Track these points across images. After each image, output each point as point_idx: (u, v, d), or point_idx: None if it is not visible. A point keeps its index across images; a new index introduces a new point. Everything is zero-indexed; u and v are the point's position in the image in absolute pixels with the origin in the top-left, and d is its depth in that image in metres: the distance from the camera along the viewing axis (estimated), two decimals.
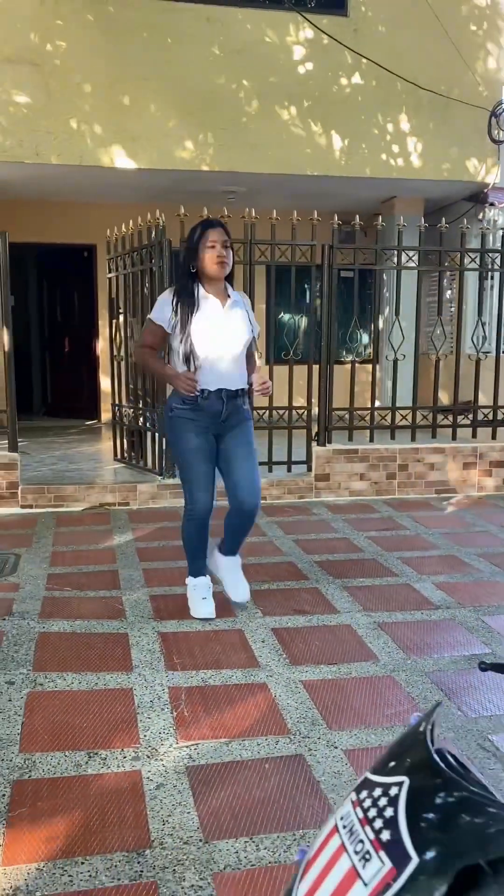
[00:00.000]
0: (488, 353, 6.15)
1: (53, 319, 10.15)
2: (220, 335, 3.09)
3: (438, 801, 0.63)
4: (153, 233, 5.60)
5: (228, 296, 3.18)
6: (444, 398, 7.12)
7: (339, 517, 5.32)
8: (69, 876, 1.76)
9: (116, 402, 6.43)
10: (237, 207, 6.07)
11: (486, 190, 8.17)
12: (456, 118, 7.71)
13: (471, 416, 6.23)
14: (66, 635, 3.16)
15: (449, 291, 8.13)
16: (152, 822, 1.97)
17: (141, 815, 1.99)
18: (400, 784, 0.67)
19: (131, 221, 5.98)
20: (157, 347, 3.26)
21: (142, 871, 1.79)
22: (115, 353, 6.38)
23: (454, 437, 6.14)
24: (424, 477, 6.03)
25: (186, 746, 2.32)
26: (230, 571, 3.44)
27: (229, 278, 3.22)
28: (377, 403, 6.33)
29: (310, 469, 5.90)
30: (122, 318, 6.24)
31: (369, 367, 7.23)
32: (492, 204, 8.26)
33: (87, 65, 6.79)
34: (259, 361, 3.39)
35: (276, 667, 2.89)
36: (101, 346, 9.23)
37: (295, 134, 7.46)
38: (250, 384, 3.22)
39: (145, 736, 2.38)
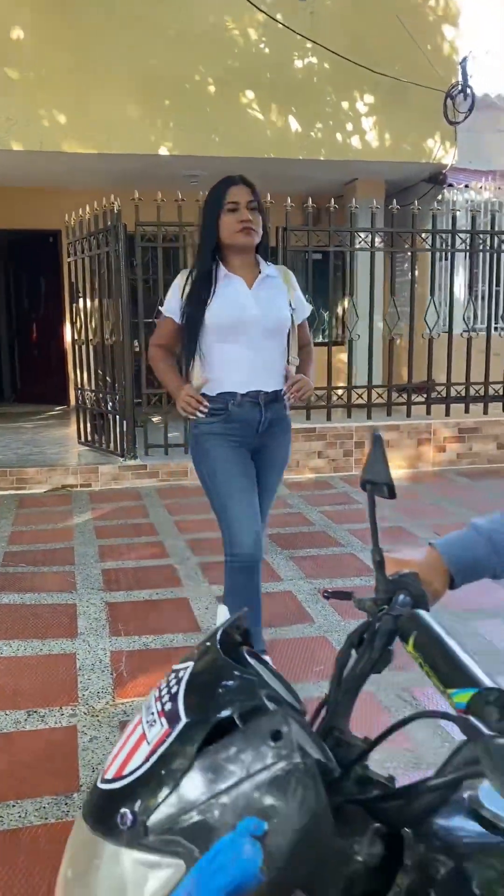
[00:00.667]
0: (444, 332, 6.30)
1: (21, 305, 10.18)
2: (247, 322, 2.40)
3: (208, 677, 0.77)
4: (108, 218, 5.67)
5: (260, 271, 2.49)
6: (414, 377, 7.27)
7: (296, 494, 5.46)
8: (0, 817, 1.90)
9: (79, 386, 6.52)
10: (204, 191, 6.14)
11: (444, 171, 8.30)
12: (413, 100, 7.80)
13: (426, 395, 6.39)
14: (15, 607, 3.28)
15: (416, 273, 8.27)
16: (82, 770, 2.10)
17: (72, 765, 2.13)
18: (187, 668, 0.80)
19: (87, 206, 6.05)
20: (171, 346, 2.59)
21: (68, 812, 1.92)
22: (77, 337, 6.46)
23: (409, 415, 6.30)
24: None
25: (122, 703, 2.46)
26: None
27: (264, 251, 2.54)
28: (347, 384, 6.47)
29: None
30: (81, 302, 6.31)
31: (332, 348, 7.36)
32: (450, 185, 8.39)
33: (46, 50, 6.81)
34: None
35: None
36: (70, 331, 9.29)
37: (253, 117, 7.53)
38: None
39: (84, 695, 2.51)
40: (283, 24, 7.19)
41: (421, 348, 6.23)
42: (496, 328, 6.57)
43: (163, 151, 7.30)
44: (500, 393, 6.44)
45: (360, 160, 7.93)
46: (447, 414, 6.35)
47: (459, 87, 7.79)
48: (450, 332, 6.18)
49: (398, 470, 6.21)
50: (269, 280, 2.48)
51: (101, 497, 5.40)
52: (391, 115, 7.86)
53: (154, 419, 6.12)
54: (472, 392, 6.36)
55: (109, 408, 6.06)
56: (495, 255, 6.57)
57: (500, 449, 6.33)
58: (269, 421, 2.48)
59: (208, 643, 0.83)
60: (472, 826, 0.79)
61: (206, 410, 2.42)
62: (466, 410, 6.40)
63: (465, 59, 7.87)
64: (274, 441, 2.55)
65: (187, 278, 2.48)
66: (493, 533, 1.08)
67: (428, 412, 6.38)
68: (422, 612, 0.90)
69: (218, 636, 0.83)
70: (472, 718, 0.68)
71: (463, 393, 6.34)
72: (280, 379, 2.50)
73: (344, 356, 7.07)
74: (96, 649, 2.85)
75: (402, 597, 0.97)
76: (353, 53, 7.41)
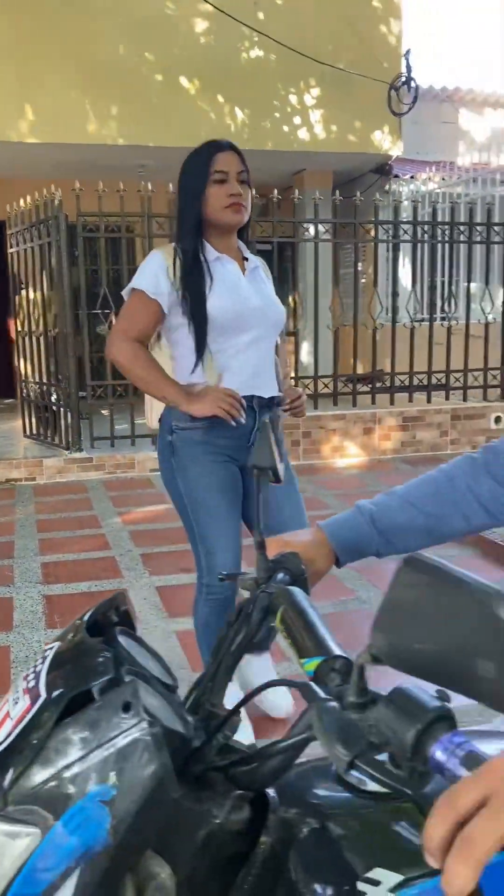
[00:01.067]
0: (385, 324, 6.38)
1: None
2: (250, 315, 2.01)
3: (70, 654, 0.79)
4: (49, 208, 5.61)
5: (245, 258, 2.10)
6: (359, 367, 7.36)
7: None
8: None
9: (23, 378, 6.45)
10: (150, 181, 6.09)
11: (390, 162, 8.39)
12: (359, 91, 7.86)
13: (371, 384, 6.47)
14: None
15: (360, 264, 8.35)
16: None
17: None
18: (52, 647, 0.82)
19: (28, 196, 5.98)
20: (148, 339, 2.07)
21: None
22: (21, 328, 6.38)
23: (354, 405, 6.37)
24: (327, 443, 6.25)
25: None
26: (264, 679, 2.14)
27: (243, 234, 2.13)
28: (294, 374, 6.51)
29: None
30: (24, 293, 6.24)
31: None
32: (396, 176, 8.48)
33: None
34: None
35: (154, 620, 3.05)
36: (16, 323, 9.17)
37: (199, 107, 7.51)
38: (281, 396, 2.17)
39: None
40: (229, 15, 7.18)
41: (367, 339, 6.31)
42: (440, 318, 6.67)
43: (109, 141, 7.24)
44: (443, 382, 6.55)
45: (307, 151, 7.97)
46: (392, 403, 6.45)
47: (403, 79, 7.87)
48: (393, 322, 6.27)
49: (345, 459, 6.28)
50: (257, 269, 2.12)
51: (45, 491, 5.36)
52: (337, 106, 7.91)
53: (104, 411, 6.08)
54: (415, 381, 6.45)
55: (54, 400, 6.01)
56: (438, 245, 6.66)
57: (442, 436, 6.45)
58: None
59: (77, 622, 0.85)
60: (337, 789, 0.83)
61: (243, 417, 1.96)
62: (410, 399, 6.50)
63: (408, 52, 7.96)
64: None
65: (175, 259, 1.99)
66: (375, 514, 1.12)
67: (373, 402, 6.46)
68: (292, 589, 0.93)
69: (86, 616, 0.85)
70: (312, 684, 0.71)
71: (407, 382, 6.44)
72: (274, 383, 2.12)
73: (290, 347, 7.12)
74: (31, 642, 2.85)
75: (280, 575, 1.01)
76: (298, 44, 7.43)
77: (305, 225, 6.31)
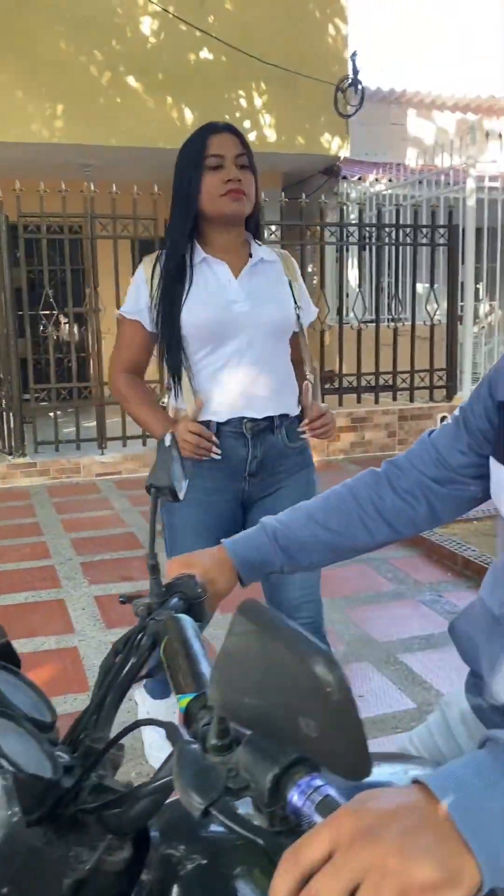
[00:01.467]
0: (331, 326, 6.40)
1: None
2: (234, 322, 1.75)
3: None
4: None
5: (250, 255, 1.83)
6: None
7: None
8: None
9: None
10: (96, 181, 5.99)
11: (338, 164, 8.42)
12: (306, 93, 7.86)
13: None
14: None
15: (309, 266, 8.37)
16: None
17: None
18: None
19: None
20: (142, 366, 1.89)
21: None
22: None
23: None
24: None
25: None
26: None
27: (256, 229, 1.88)
28: None
29: (145, 444, 5.99)
30: None
31: None
32: (344, 177, 8.52)
33: None
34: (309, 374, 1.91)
35: (91, 631, 2.99)
36: None
37: (147, 106, 7.43)
38: (301, 413, 1.85)
39: None
40: (175, 15, 7.12)
41: (315, 340, 6.31)
42: (387, 319, 6.72)
43: (53, 140, 7.12)
44: (390, 383, 6.60)
45: (255, 152, 7.91)
46: (340, 404, 6.47)
47: (349, 81, 7.90)
48: (341, 324, 6.29)
49: None
50: (263, 266, 1.82)
51: None
52: (285, 107, 7.91)
53: (50, 414, 5.97)
54: (363, 382, 6.48)
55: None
56: (385, 247, 6.71)
57: (390, 437, 6.49)
58: (263, 458, 1.77)
59: None
60: (217, 827, 0.81)
61: (218, 451, 1.74)
62: (359, 400, 6.53)
63: (354, 54, 7.99)
64: (277, 484, 1.82)
65: (154, 266, 1.79)
66: (278, 530, 1.10)
67: (322, 402, 6.46)
68: (179, 617, 0.90)
69: None
70: (176, 724, 0.69)
71: (355, 383, 6.47)
72: (289, 400, 1.82)
73: None
74: None
75: (174, 600, 0.97)
76: (245, 45, 7.41)
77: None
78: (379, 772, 0.98)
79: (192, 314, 1.74)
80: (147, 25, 7.33)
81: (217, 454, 1.74)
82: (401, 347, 6.43)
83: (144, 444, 5.98)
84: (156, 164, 8.34)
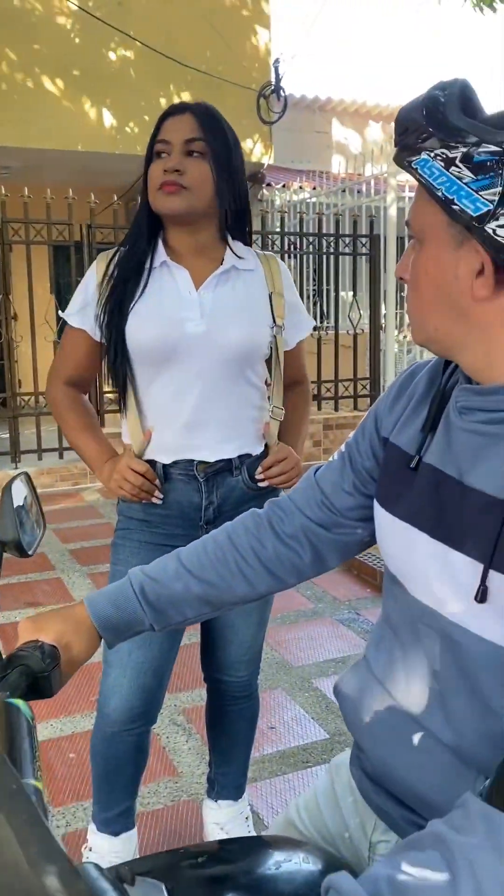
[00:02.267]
0: None
1: None
2: (185, 344, 1.46)
3: None
4: None
5: (223, 261, 1.53)
6: None
7: (111, 502, 5.28)
8: None
9: None
10: (17, 183, 5.77)
11: (262, 170, 8.37)
12: (229, 98, 7.77)
13: None
14: None
15: None
16: None
17: None
18: None
19: None
20: (86, 379, 1.62)
21: None
22: None
23: None
24: None
25: None
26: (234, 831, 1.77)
27: (241, 231, 1.58)
28: None
29: None
30: None
31: None
32: (268, 184, 8.48)
33: None
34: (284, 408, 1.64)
35: None
36: None
37: (64, 107, 7.22)
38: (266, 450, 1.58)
39: None
40: (92, 14, 6.93)
41: None
42: (312, 328, 6.69)
43: None
44: (315, 392, 6.56)
45: None
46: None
47: (272, 88, 7.87)
48: None
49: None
50: (235, 276, 1.52)
51: None
52: None
53: None
54: None
55: None
56: (308, 256, 6.68)
57: (315, 446, 6.46)
58: (220, 505, 1.52)
59: None
60: None
61: (160, 495, 1.49)
62: None
63: (277, 61, 7.96)
64: None
65: (108, 266, 1.51)
66: (146, 584, 0.98)
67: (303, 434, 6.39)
68: (14, 704, 0.78)
69: None
70: None
71: None
72: (251, 438, 1.54)
73: None
74: None
75: (15, 676, 0.85)
76: (166, 48, 7.27)
77: None
78: (268, 862, 0.88)
79: (136, 327, 1.45)
80: (64, 25, 7.12)
81: (159, 499, 1.49)
82: (325, 356, 6.40)
83: (61, 456, 5.77)
84: (76, 167, 8.15)
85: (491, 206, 0.65)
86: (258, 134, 8.07)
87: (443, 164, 0.68)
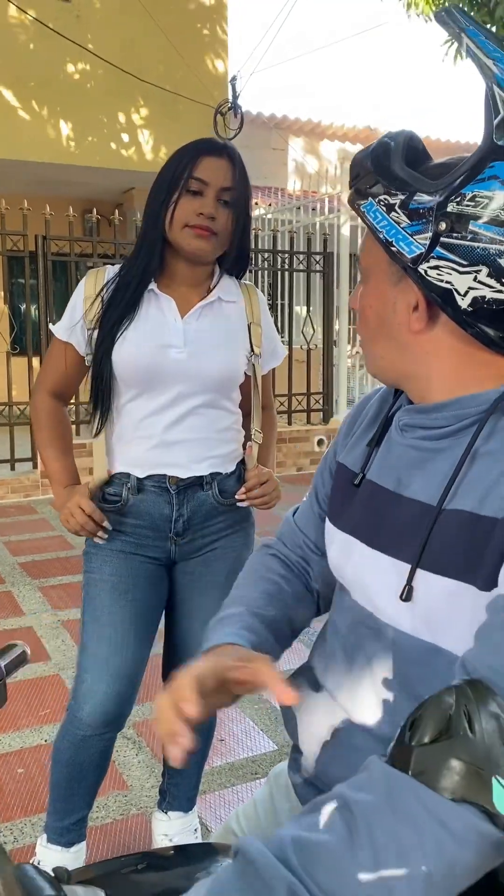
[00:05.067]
0: None
1: None
2: (167, 372, 1.53)
3: None
4: None
5: (210, 290, 1.61)
6: None
7: None
8: None
9: None
10: None
11: None
12: (187, 114, 7.86)
13: None
14: None
15: None
16: None
17: None
18: None
19: None
20: (69, 391, 1.67)
21: None
22: None
23: None
24: None
25: None
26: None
27: (238, 267, 1.65)
28: None
29: (35, 466, 5.76)
30: None
31: None
32: None
33: None
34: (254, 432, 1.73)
35: None
36: None
37: (20, 117, 7.20)
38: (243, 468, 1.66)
39: None
40: (47, 26, 6.93)
41: None
42: None
43: None
44: None
45: (135, 170, 7.86)
46: None
47: (229, 105, 7.97)
48: None
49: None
50: (219, 307, 1.60)
51: None
52: (165, 126, 7.87)
53: None
54: None
55: None
56: (263, 272, 6.76)
57: None
58: (190, 517, 1.57)
59: None
60: None
61: (104, 535, 1.54)
62: None
63: (233, 78, 8.07)
64: (212, 547, 1.62)
65: (105, 287, 1.56)
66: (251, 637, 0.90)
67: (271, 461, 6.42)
68: None
69: None
70: None
71: None
72: (224, 458, 1.60)
73: None
74: None
75: None
76: (124, 62, 7.32)
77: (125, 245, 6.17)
78: (204, 867, 0.91)
79: (123, 351, 1.51)
80: (21, 36, 7.10)
81: (102, 538, 1.53)
82: (278, 370, 6.45)
83: (13, 468, 5.72)
84: (31, 178, 8.12)
85: (423, 250, 0.73)
86: None
87: (385, 209, 0.75)
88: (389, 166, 0.75)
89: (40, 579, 3.88)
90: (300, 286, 6.94)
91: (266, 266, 6.65)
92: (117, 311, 1.52)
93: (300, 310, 7.15)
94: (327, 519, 0.93)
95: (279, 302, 6.90)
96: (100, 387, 1.55)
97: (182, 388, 1.53)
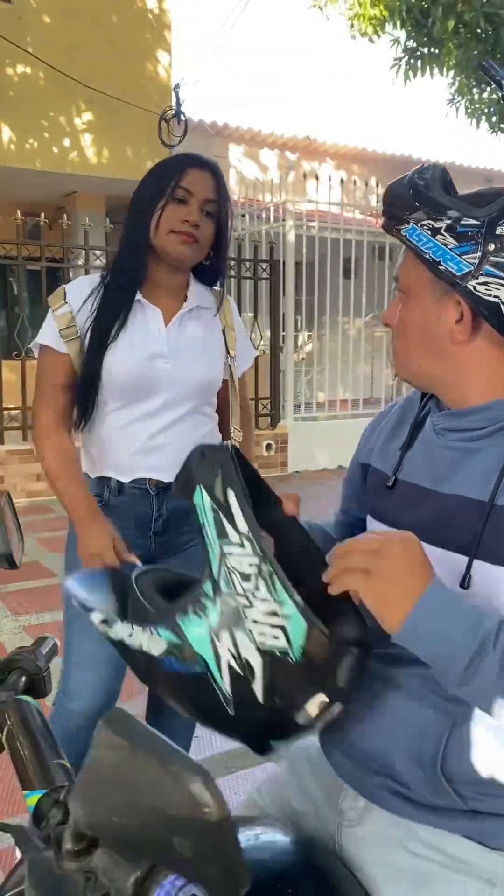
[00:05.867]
0: None
1: None
2: (154, 381, 1.57)
3: None
4: None
5: (187, 298, 1.65)
6: None
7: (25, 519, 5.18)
8: None
9: None
10: None
11: None
12: (131, 120, 7.87)
13: None
14: None
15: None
16: None
17: None
18: None
19: None
20: (70, 412, 1.61)
21: None
22: None
23: None
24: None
25: None
26: None
27: (212, 276, 1.71)
28: None
29: None
30: None
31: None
32: None
33: None
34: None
35: None
36: None
37: None
38: None
39: None
40: None
41: None
42: None
43: None
44: None
45: (77, 174, 7.83)
46: None
47: (173, 112, 8.02)
48: None
49: None
50: (198, 314, 1.64)
51: None
52: (109, 132, 7.87)
53: None
54: None
55: None
56: None
57: None
58: (168, 518, 1.63)
59: None
60: None
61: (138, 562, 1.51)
62: None
63: (177, 86, 8.13)
64: (191, 544, 1.66)
65: (93, 294, 1.57)
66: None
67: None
68: (23, 701, 0.84)
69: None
70: (26, 827, 0.63)
71: None
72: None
73: None
74: None
75: (13, 678, 0.91)
76: (67, 67, 7.28)
77: (77, 250, 6.16)
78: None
79: (112, 362, 1.53)
80: None
81: (134, 565, 1.47)
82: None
83: None
84: None
85: (472, 268, 0.83)
86: (158, 157, 8.17)
87: (429, 232, 0.85)
88: (431, 195, 0.85)
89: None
90: (247, 293, 7.04)
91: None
92: (108, 320, 1.55)
93: (247, 316, 7.25)
94: (369, 516, 1.02)
95: None
96: (88, 395, 1.56)
97: (168, 396, 1.58)
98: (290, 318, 7.05)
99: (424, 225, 0.85)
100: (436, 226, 0.84)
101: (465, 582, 0.84)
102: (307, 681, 0.73)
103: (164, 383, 1.57)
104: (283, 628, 0.70)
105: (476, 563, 0.83)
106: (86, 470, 1.63)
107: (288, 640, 0.70)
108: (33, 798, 0.71)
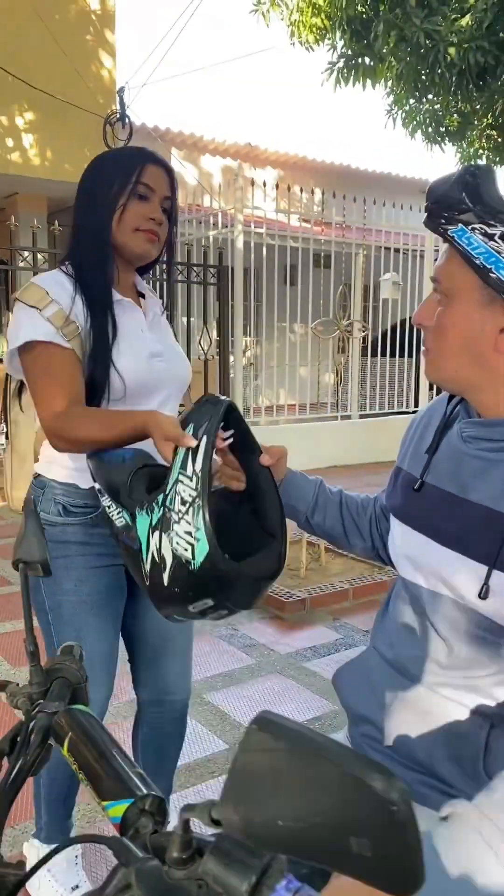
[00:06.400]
0: None
1: None
2: (155, 379, 1.53)
3: None
4: None
5: (142, 295, 1.63)
6: None
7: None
8: None
9: None
10: None
11: None
12: (75, 122, 7.76)
13: None
14: None
15: None
16: None
17: None
18: None
19: None
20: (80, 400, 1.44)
21: None
22: None
23: None
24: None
25: None
26: None
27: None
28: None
29: None
30: None
31: None
32: None
33: None
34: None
35: None
36: None
37: None
38: None
39: None
40: None
41: None
42: None
43: None
44: None
45: (18, 175, 7.68)
46: None
47: (118, 115, 7.96)
48: None
49: None
50: (158, 310, 1.64)
51: None
52: (51, 133, 7.75)
53: None
54: None
55: None
56: (157, 283, 6.78)
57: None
58: None
59: None
60: None
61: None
62: None
63: (122, 89, 8.08)
64: None
65: (76, 291, 1.45)
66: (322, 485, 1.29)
67: None
68: (80, 709, 0.83)
69: None
70: (123, 839, 0.63)
71: None
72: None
73: None
74: None
75: (56, 689, 0.90)
76: (9, 65, 7.14)
77: (24, 253, 6.03)
78: None
79: (120, 366, 1.44)
80: None
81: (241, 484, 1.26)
82: None
83: None
84: None
85: None
86: None
87: (482, 237, 0.82)
88: (485, 198, 0.81)
89: None
90: (195, 298, 7.03)
91: (163, 277, 6.69)
92: (103, 322, 1.46)
93: (195, 321, 7.24)
94: (393, 517, 1.04)
95: (176, 313, 6.96)
96: (97, 402, 1.45)
97: (162, 396, 1.54)
98: (238, 324, 7.08)
99: (476, 228, 0.81)
100: (490, 231, 0.81)
101: (482, 592, 0.85)
102: (200, 586, 0.98)
103: (163, 382, 1.53)
104: (192, 546, 0.96)
105: (495, 573, 0.85)
106: (76, 482, 1.49)
107: (193, 555, 0.96)
108: (116, 809, 0.71)
